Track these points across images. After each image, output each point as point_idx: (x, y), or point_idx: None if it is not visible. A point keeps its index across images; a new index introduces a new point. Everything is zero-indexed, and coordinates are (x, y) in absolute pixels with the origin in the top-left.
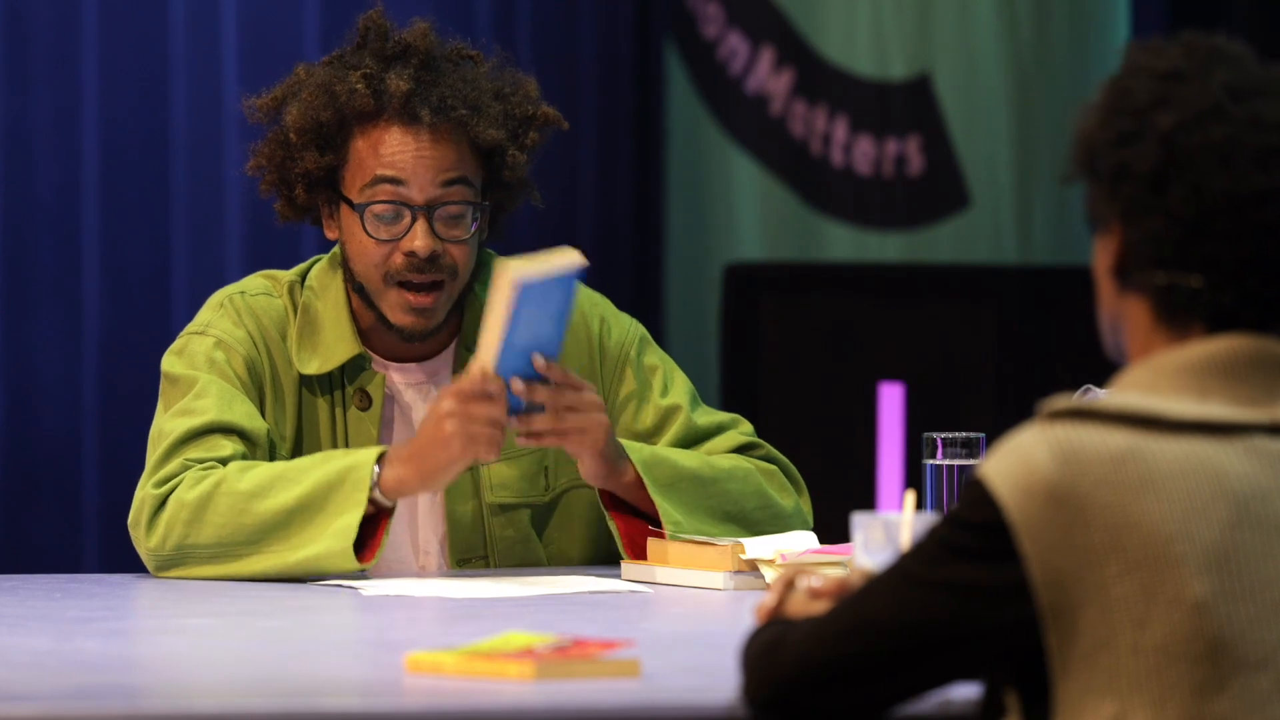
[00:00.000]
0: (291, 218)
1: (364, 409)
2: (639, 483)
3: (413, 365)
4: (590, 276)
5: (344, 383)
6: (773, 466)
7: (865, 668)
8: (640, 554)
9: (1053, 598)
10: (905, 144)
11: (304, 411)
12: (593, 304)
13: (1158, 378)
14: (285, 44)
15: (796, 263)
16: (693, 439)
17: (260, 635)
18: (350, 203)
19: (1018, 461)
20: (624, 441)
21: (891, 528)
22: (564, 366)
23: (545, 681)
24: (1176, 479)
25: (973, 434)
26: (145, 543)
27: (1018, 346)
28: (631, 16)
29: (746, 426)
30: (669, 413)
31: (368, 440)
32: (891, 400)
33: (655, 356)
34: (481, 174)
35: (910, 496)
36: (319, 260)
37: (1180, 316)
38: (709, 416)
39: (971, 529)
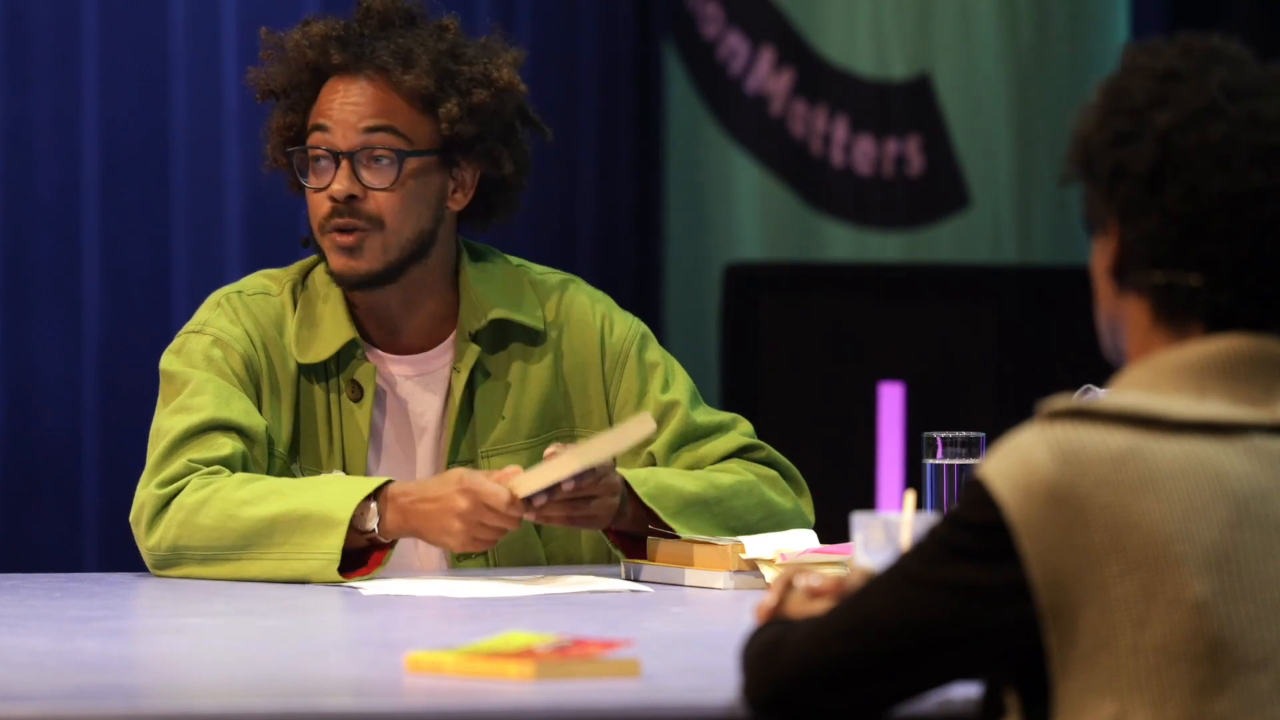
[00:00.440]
0: (292, 185)
1: (355, 400)
2: (638, 515)
3: (409, 357)
4: (590, 276)
5: (338, 374)
6: (773, 471)
7: (865, 668)
8: (635, 550)
9: (1053, 598)
10: (905, 144)
11: (301, 408)
12: (595, 301)
13: (1157, 378)
14: None
15: (796, 263)
16: (691, 436)
17: (260, 635)
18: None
19: (1018, 461)
20: (626, 474)
21: (891, 528)
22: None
23: (545, 681)
24: (1176, 479)
25: (973, 434)
26: (145, 541)
27: (1018, 346)
28: (631, 16)
29: (746, 427)
30: (668, 408)
31: (359, 434)
32: (891, 400)
33: (656, 353)
34: (427, 129)
35: (910, 496)
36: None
37: (1179, 316)
38: (709, 416)
39: (971, 529)
